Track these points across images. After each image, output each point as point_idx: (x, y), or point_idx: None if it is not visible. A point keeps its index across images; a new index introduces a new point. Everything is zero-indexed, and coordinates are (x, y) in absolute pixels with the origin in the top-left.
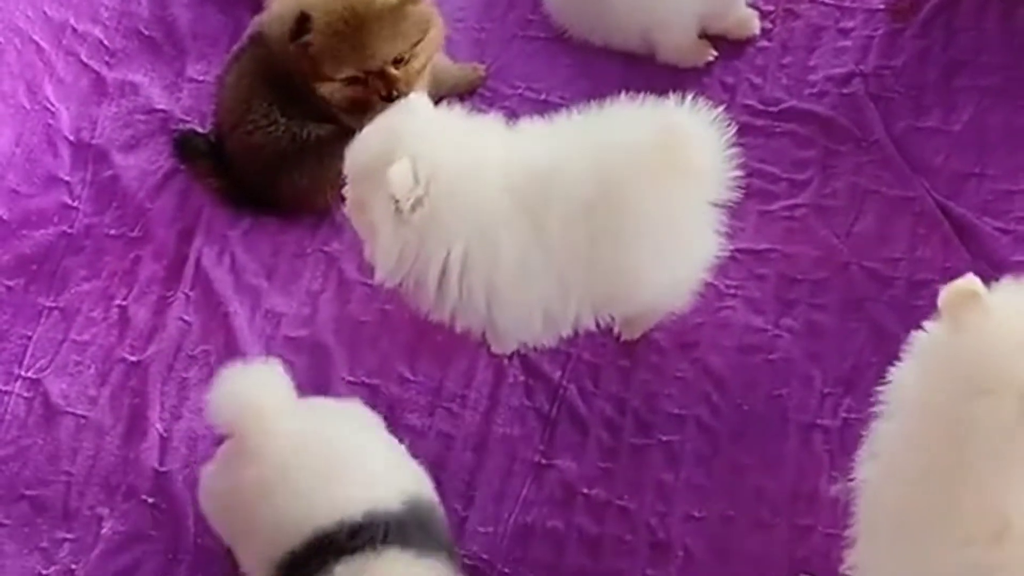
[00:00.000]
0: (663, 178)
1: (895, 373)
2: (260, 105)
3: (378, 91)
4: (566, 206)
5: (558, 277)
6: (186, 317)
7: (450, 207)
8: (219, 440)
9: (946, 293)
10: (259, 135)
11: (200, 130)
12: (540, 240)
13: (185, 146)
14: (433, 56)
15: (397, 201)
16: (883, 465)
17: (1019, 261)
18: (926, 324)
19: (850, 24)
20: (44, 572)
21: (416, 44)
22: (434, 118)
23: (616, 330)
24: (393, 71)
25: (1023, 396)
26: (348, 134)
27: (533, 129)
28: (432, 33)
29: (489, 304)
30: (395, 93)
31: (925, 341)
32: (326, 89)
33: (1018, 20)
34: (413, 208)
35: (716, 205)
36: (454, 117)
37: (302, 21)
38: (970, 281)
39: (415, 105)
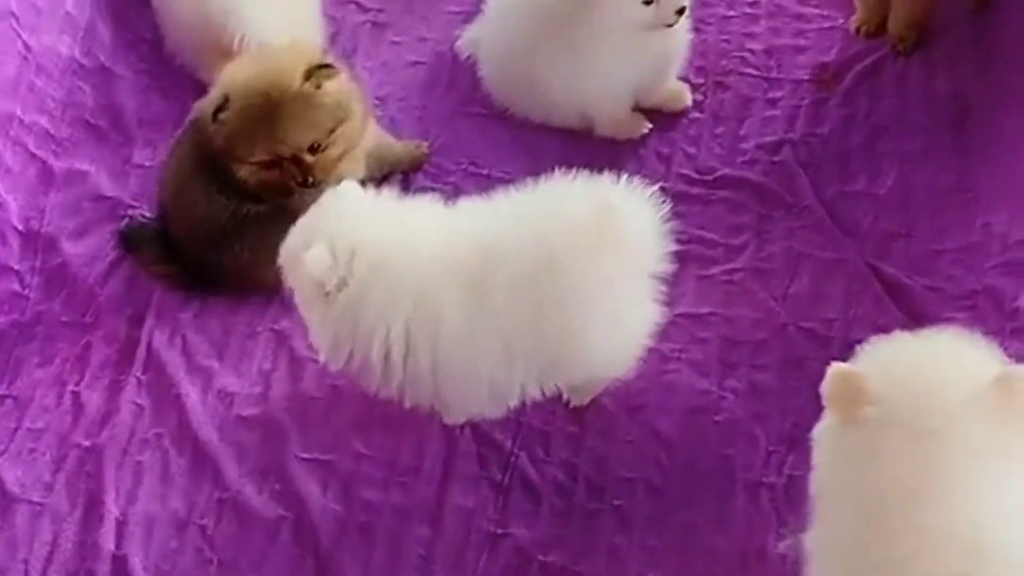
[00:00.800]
0: (599, 251)
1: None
2: (200, 183)
3: (293, 177)
4: (508, 280)
5: (503, 349)
6: (139, 401)
7: (379, 285)
8: (176, 523)
9: (826, 386)
10: (200, 212)
11: (145, 218)
12: (483, 313)
13: (131, 238)
14: (354, 144)
15: (322, 284)
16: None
17: (948, 317)
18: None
19: (778, 94)
20: None
21: (332, 132)
22: (360, 202)
23: (564, 397)
24: (308, 158)
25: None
26: (286, 210)
27: (472, 206)
28: (351, 123)
29: (435, 379)
30: (310, 180)
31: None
32: (243, 172)
33: (938, 85)
34: (338, 289)
35: (654, 274)
36: (384, 200)
37: (222, 102)
38: (843, 371)
39: (342, 191)
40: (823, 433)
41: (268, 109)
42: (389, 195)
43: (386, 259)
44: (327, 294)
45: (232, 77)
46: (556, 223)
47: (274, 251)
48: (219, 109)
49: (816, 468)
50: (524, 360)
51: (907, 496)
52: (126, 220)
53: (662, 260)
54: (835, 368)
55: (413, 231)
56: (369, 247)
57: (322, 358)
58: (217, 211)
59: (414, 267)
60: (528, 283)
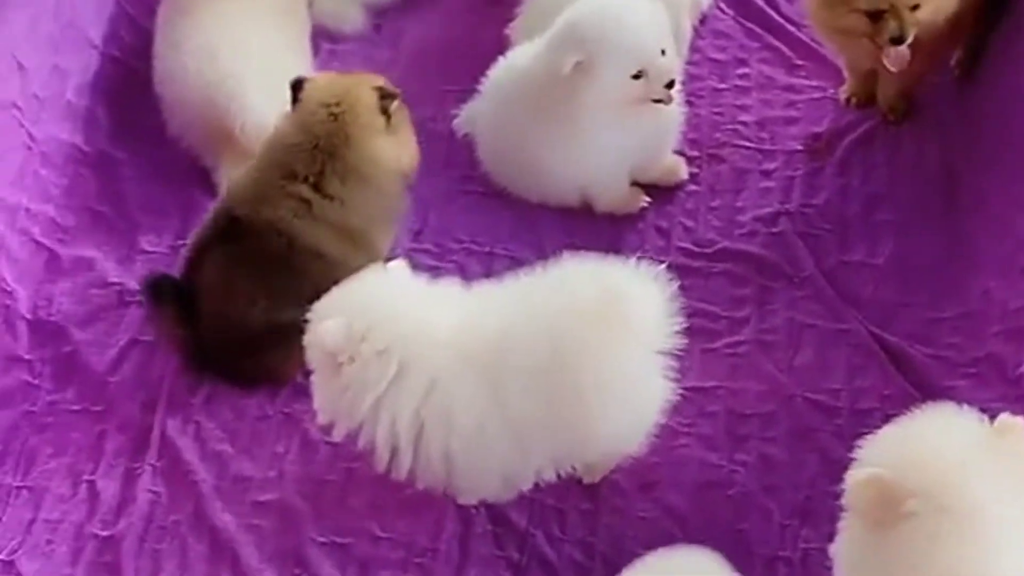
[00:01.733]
0: (608, 336)
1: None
2: (244, 286)
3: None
4: (521, 369)
5: (517, 439)
6: (155, 488)
7: (383, 369)
8: None
9: (853, 496)
10: (236, 315)
11: (172, 274)
12: (497, 404)
13: (155, 288)
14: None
15: (333, 355)
16: None
17: (950, 386)
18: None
19: (772, 165)
20: None
21: None
22: (395, 283)
23: (577, 475)
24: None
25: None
26: None
27: (484, 292)
28: None
29: (447, 468)
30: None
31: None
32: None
33: (928, 152)
34: (349, 363)
35: (662, 351)
36: (412, 281)
37: None
38: (867, 478)
39: (388, 269)
40: (850, 539)
41: None
42: (418, 279)
43: (397, 345)
44: (339, 365)
45: None
46: (564, 310)
47: (298, 355)
48: None
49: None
50: (539, 448)
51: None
52: (155, 274)
53: (670, 337)
54: (858, 477)
55: (431, 317)
56: (382, 330)
57: (319, 419)
58: (254, 318)
59: (428, 355)
60: (541, 372)
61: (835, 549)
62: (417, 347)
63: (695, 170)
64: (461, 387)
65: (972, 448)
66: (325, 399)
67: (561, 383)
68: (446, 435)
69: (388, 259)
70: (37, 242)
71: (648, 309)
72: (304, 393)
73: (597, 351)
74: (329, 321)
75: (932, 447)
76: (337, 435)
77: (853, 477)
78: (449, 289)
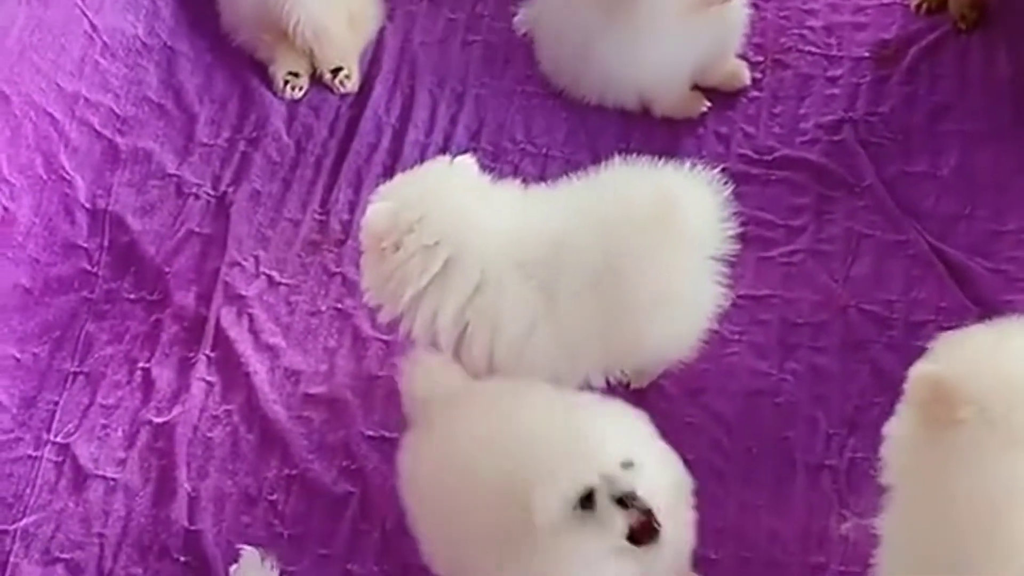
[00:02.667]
0: (665, 242)
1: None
2: None
3: None
4: (574, 278)
5: (565, 346)
6: (208, 378)
7: (425, 263)
8: (247, 498)
9: (911, 390)
10: None
11: None
12: (547, 312)
13: None
14: None
15: (378, 239)
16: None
17: (1008, 300)
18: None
19: (838, 72)
20: None
21: None
22: (459, 178)
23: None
24: None
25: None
26: None
27: (541, 195)
28: None
29: (490, 368)
30: None
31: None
32: None
33: (998, 64)
34: (393, 250)
35: (715, 257)
36: (477, 181)
37: None
38: (931, 376)
39: (454, 163)
40: (902, 432)
41: None
42: (479, 175)
43: (446, 241)
44: (383, 250)
45: None
46: (619, 216)
47: None
48: None
49: (892, 463)
50: (588, 354)
51: (1010, 499)
52: None
53: (724, 243)
54: (920, 372)
55: (486, 217)
56: (433, 224)
57: (367, 302)
58: None
59: (478, 255)
60: (594, 278)
61: (887, 433)
62: (468, 246)
63: (758, 75)
64: (511, 290)
65: None
66: (370, 282)
67: (615, 289)
68: (491, 337)
69: (456, 155)
70: (96, 132)
71: (702, 215)
72: (356, 289)
73: (651, 257)
74: (381, 204)
75: (998, 361)
76: (382, 320)
77: (916, 370)
78: (508, 191)
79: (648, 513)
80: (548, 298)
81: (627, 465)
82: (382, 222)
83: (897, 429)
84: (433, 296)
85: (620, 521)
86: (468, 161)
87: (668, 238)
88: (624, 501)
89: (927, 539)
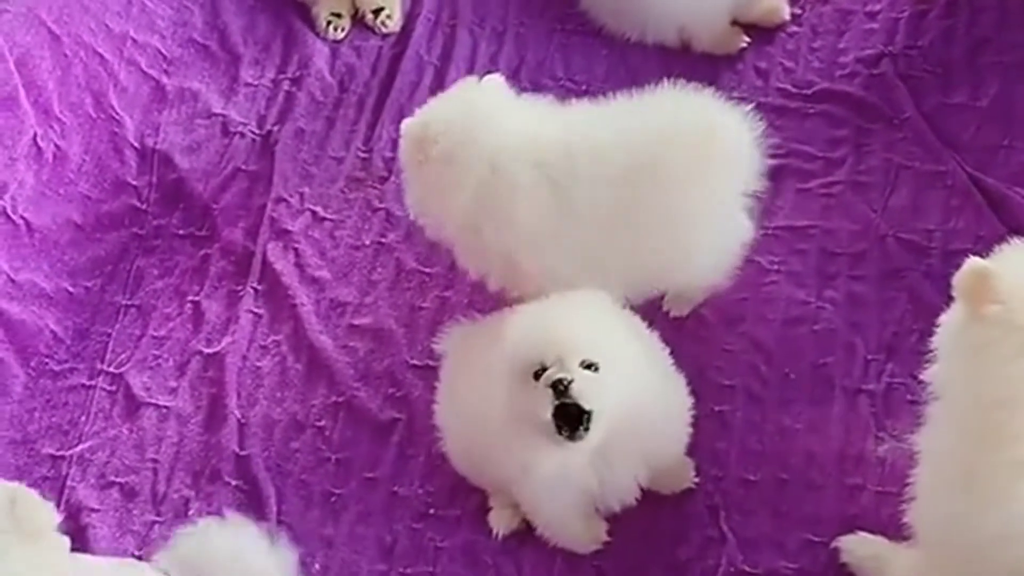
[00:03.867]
0: (692, 166)
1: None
2: None
3: None
4: (592, 185)
5: (586, 256)
6: (256, 309)
7: (444, 171)
8: (295, 424)
9: (959, 279)
10: None
11: None
12: (565, 215)
13: None
14: None
15: (412, 152)
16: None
17: None
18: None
19: (877, 7)
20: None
21: None
22: (488, 96)
23: (665, 307)
24: None
25: None
26: None
27: (573, 112)
28: None
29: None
30: None
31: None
32: None
33: None
34: (425, 161)
35: (747, 191)
36: (504, 96)
37: None
38: (978, 266)
39: (483, 82)
40: (947, 327)
41: None
42: (508, 92)
43: (461, 150)
44: (419, 164)
45: None
46: (654, 133)
47: None
48: None
49: (937, 361)
50: (613, 268)
51: (1015, 396)
52: None
53: (757, 176)
54: (971, 262)
55: (511, 127)
56: (452, 135)
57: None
58: None
59: (488, 157)
60: (613, 191)
61: (941, 322)
62: (478, 142)
63: (798, 11)
64: (523, 188)
65: None
66: (411, 198)
67: (633, 203)
68: (506, 234)
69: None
70: (144, 72)
71: (741, 144)
72: (399, 224)
73: (673, 175)
74: (412, 120)
75: None
76: (427, 234)
77: (970, 261)
78: (540, 104)
79: (575, 407)
80: (564, 201)
81: (588, 366)
82: (412, 136)
83: (945, 322)
84: (453, 202)
85: (549, 400)
86: (497, 79)
87: (696, 158)
88: (557, 387)
89: (957, 448)
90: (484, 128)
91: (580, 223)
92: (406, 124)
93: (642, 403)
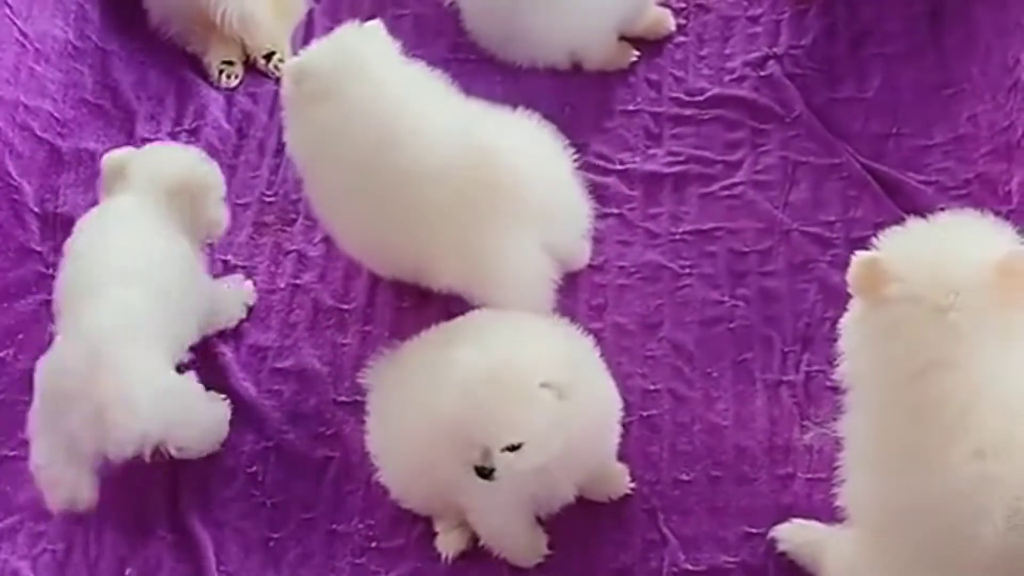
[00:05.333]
0: (477, 187)
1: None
2: None
3: None
4: (410, 164)
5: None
6: None
7: (323, 107)
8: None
9: (852, 276)
10: None
11: None
12: (379, 174)
13: None
14: None
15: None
16: (861, 418)
17: (942, 209)
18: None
19: (758, 11)
20: None
21: None
22: (366, 40)
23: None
24: None
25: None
26: None
27: (447, 98)
28: None
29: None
30: None
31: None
32: None
33: None
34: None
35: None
36: (383, 43)
37: None
38: (865, 257)
39: (363, 27)
40: (849, 322)
41: None
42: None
43: (333, 89)
44: (296, 100)
45: None
46: (473, 146)
47: None
48: None
49: (845, 356)
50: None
51: (931, 365)
52: None
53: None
54: (857, 257)
55: (381, 79)
56: (325, 73)
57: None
58: None
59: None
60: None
61: (841, 326)
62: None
63: (682, 21)
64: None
65: (963, 259)
66: (289, 138)
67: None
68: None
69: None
70: (38, 137)
71: (531, 183)
72: (311, 265)
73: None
74: (292, 61)
75: (921, 244)
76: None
77: (856, 256)
78: (416, 68)
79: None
80: (389, 166)
81: (512, 448)
82: (290, 73)
83: (847, 320)
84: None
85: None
86: (376, 25)
87: (483, 187)
88: (480, 471)
89: (880, 428)
90: (357, 70)
91: (387, 194)
92: (287, 63)
93: (580, 425)
